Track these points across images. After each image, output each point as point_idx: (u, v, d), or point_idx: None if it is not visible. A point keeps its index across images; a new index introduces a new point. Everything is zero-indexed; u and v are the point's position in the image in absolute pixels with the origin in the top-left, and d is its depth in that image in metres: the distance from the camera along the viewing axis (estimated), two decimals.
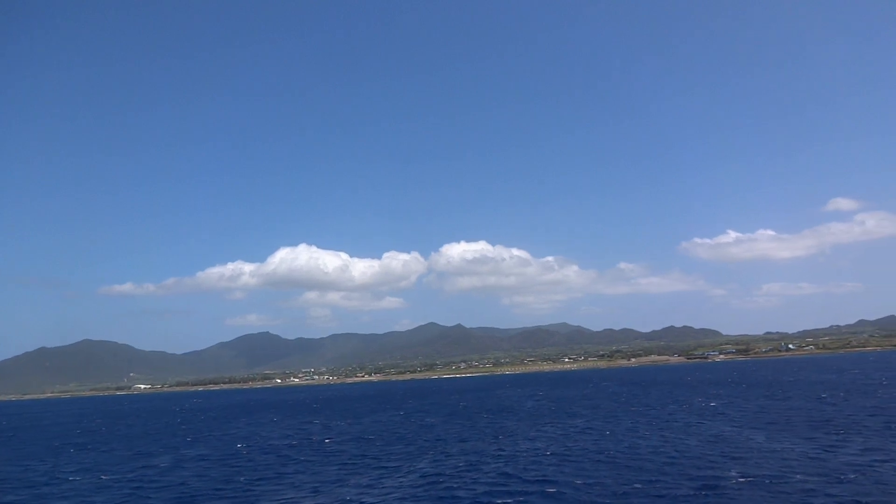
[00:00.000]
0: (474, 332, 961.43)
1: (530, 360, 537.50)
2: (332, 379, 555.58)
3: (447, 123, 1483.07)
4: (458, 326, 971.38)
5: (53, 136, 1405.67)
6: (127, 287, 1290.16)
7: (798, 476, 35.64)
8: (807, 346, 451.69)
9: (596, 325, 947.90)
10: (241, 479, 46.97)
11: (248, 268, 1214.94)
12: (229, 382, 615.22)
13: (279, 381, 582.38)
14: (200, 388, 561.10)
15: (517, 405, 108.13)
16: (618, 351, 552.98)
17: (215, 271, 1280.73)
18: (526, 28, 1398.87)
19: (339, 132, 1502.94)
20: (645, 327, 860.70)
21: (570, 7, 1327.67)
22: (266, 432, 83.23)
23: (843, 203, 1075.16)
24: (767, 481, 34.78)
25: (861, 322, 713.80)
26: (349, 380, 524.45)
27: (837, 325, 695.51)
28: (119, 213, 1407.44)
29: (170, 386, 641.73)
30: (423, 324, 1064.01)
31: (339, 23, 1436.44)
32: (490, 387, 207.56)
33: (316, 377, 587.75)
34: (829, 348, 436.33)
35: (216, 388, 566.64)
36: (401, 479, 42.42)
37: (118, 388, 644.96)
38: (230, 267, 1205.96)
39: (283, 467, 51.21)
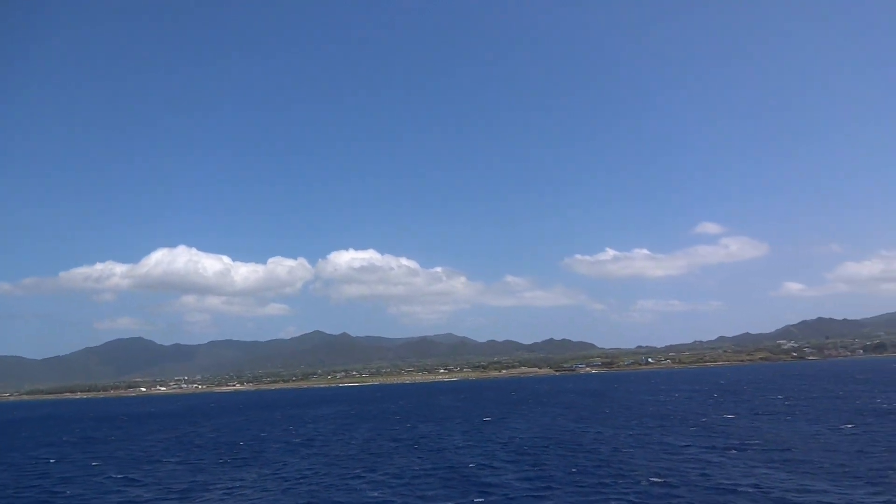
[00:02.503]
0: (360, 341, 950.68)
1: (408, 371, 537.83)
2: (202, 388, 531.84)
3: (338, 130, 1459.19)
4: (344, 335, 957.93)
5: None
6: None
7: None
8: (665, 360, 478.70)
9: (481, 337, 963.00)
10: None
11: (119, 269, 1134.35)
12: (90, 391, 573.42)
13: (143, 389, 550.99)
14: (53, 398, 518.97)
15: (317, 421, 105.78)
16: (495, 362, 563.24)
17: (81, 272, 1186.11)
18: (430, 47, 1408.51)
19: (223, 129, 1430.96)
20: (527, 339, 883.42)
21: (485, 38, 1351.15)
22: None
23: (710, 227, 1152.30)
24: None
25: (721, 338, 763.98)
26: (220, 389, 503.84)
27: (700, 341, 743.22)
28: None
29: (20, 394, 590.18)
30: (308, 332, 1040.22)
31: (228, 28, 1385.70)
32: (337, 399, 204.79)
33: (184, 386, 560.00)
34: (685, 362, 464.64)
35: (73, 396, 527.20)
36: None
37: None
38: (99, 267, 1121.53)
39: None
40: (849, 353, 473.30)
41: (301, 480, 44.82)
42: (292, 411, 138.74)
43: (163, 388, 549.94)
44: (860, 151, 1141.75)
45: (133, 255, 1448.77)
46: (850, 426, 58.94)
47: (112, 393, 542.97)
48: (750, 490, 33.62)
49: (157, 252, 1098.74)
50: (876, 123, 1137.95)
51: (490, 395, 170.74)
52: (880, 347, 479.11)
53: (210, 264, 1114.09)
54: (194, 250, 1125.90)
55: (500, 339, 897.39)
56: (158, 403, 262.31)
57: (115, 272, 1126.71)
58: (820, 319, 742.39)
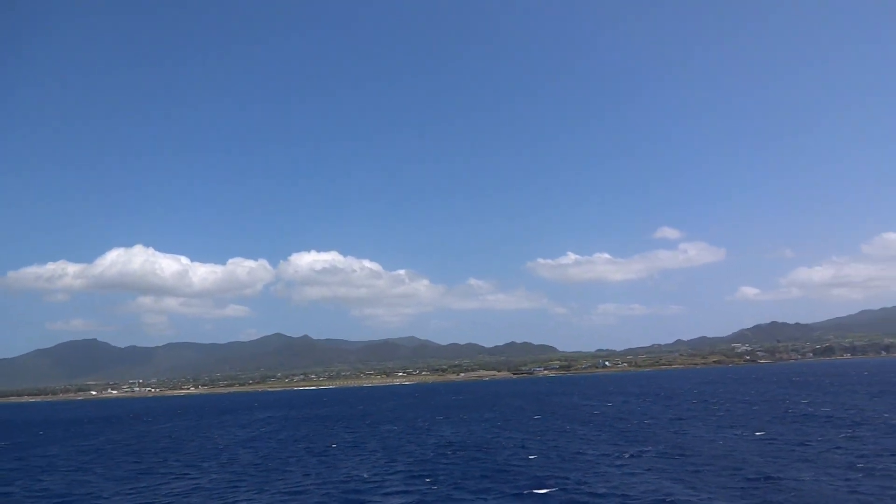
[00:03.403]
0: (321, 344, 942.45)
1: (366, 374, 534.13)
2: (155, 391, 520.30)
3: (302, 131, 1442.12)
4: (305, 337, 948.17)
5: None
6: None
7: None
8: (622, 363, 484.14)
9: (443, 340, 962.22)
10: None
11: (72, 268, 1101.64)
12: (39, 394, 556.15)
13: (94, 392, 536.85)
14: None
15: (245, 427, 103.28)
16: (454, 365, 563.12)
17: (31, 271, 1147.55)
18: (395, 43, 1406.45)
19: (182, 128, 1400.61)
20: (489, 342, 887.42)
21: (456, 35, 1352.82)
22: None
23: (669, 232, 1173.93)
24: None
25: (678, 342, 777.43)
26: (173, 392, 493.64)
27: (658, 344, 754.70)
28: None
29: None
30: (268, 334, 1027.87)
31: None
32: (283, 403, 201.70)
33: (137, 389, 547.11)
34: (641, 366, 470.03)
35: (20, 400, 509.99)
36: None
37: None
38: (50, 267, 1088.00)
39: None
40: (799, 357, 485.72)
41: (175, 497, 42.78)
42: (227, 417, 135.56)
43: (115, 392, 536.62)
44: (814, 160, 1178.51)
45: (87, 254, 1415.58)
46: (760, 433, 59.02)
47: (62, 396, 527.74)
48: (616, 499, 32.96)
49: (113, 252, 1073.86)
50: (829, 133, 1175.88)
51: (436, 400, 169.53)
52: (828, 351, 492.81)
53: (168, 265, 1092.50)
54: (151, 250, 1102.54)
55: (462, 342, 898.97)
56: (104, 408, 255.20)
57: (67, 272, 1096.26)
58: (773, 323, 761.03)
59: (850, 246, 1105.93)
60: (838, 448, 47.17)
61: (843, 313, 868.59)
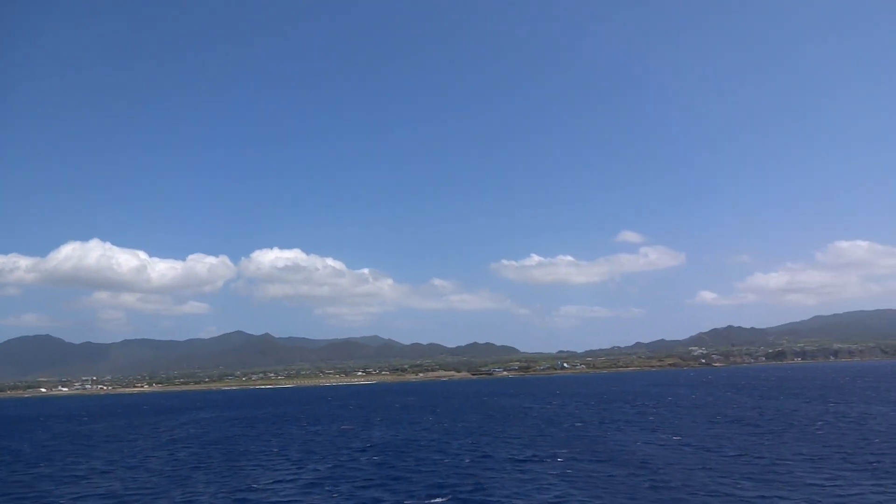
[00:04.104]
0: (283, 342, 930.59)
1: (326, 374, 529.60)
2: (107, 389, 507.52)
3: (266, 126, 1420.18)
4: (267, 336, 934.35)
5: None
6: None
7: None
8: (580, 365, 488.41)
9: (406, 339, 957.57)
10: None
11: (24, 262, 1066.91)
12: None
13: (44, 390, 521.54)
14: None
15: (177, 428, 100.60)
16: (415, 365, 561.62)
17: None
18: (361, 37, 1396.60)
19: (142, 120, 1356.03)
20: (452, 343, 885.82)
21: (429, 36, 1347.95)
22: None
23: (631, 236, 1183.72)
24: None
25: (637, 344, 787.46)
26: (126, 390, 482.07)
27: (618, 347, 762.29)
28: None
29: None
30: (229, 332, 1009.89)
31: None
32: (234, 403, 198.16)
33: (89, 387, 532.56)
34: (599, 368, 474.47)
35: None
36: None
37: None
38: (1, 260, 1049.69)
39: None
40: (752, 360, 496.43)
41: None
42: (165, 417, 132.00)
43: (65, 389, 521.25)
44: (772, 168, 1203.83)
45: (40, 247, 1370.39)
46: (676, 438, 59.17)
47: (9, 394, 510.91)
48: None
49: (68, 245, 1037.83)
50: (787, 142, 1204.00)
51: (386, 400, 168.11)
52: (780, 355, 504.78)
53: (125, 260, 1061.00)
54: (108, 244, 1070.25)
55: (425, 342, 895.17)
56: (48, 406, 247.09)
57: (19, 265, 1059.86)
58: (729, 328, 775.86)
59: (804, 253, 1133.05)
60: (744, 455, 47.32)
61: (796, 318, 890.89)
